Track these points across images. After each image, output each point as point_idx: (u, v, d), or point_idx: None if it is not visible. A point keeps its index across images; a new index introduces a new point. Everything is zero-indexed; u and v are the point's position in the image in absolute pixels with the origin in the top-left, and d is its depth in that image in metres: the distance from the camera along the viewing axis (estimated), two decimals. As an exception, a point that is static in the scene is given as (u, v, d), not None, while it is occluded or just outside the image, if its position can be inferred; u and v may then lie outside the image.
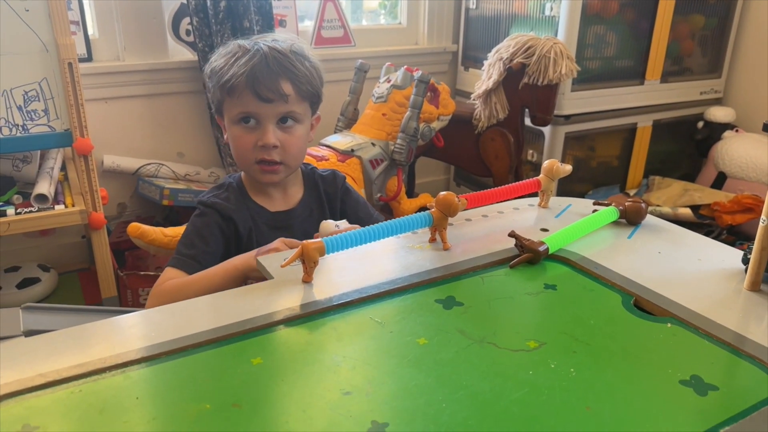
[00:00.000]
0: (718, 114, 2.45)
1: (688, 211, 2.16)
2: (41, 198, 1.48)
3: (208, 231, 0.95)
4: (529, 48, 1.79)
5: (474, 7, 2.36)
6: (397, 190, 1.75)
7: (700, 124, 2.49)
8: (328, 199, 1.06)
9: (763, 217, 0.69)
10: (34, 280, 1.80)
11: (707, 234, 2.16)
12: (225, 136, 1.00)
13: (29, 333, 0.60)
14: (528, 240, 0.80)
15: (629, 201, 0.93)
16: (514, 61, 1.81)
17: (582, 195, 2.30)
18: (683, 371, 0.58)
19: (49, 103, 1.42)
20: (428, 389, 0.54)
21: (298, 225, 1.01)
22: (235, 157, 0.99)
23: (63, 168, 1.72)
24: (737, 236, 2.16)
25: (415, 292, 0.71)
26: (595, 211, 0.93)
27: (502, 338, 0.61)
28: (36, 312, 0.65)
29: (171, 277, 0.92)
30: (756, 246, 0.72)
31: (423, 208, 1.89)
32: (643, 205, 0.92)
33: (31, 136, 1.43)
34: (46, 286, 1.82)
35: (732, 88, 2.54)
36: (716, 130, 2.45)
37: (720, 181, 2.38)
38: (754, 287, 0.73)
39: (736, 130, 2.43)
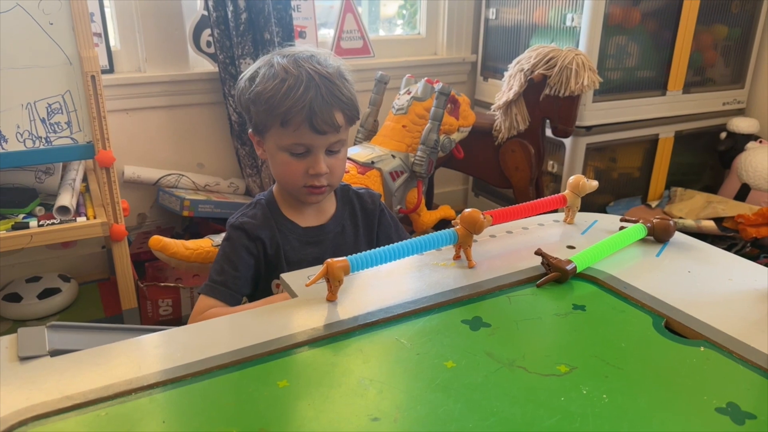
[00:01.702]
0: (742, 125, 2.41)
1: (711, 224, 2.12)
2: (63, 210, 1.49)
3: (235, 255, 0.96)
4: (550, 59, 1.78)
5: (493, 17, 2.35)
6: (417, 202, 1.74)
7: (723, 134, 2.45)
8: (366, 217, 1.06)
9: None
10: (54, 291, 1.81)
11: (731, 247, 2.12)
12: (260, 152, 1.00)
13: (55, 353, 0.60)
14: (555, 258, 0.78)
15: (657, 218, 0.91)
16: (536, 73, 1.80)
17: (603, 206, 2.28)
18: (719, 398, 0.56)
19: (72, 116, 1.44)
20: (458, 415, 0.53)
21: (330, 241, 1.01)
22: (280, 180, 0.99)
23: (84, 179, 1.74)
24: (762, 249, 2.12)
25: (441, 311, 0.70)
26: (622, 228, 0.91)
27: (531, 362, 0.60)
28: (61, 331, 0.65)
29: (208, 305, 0.93)
30: (792, 267, 0.70)
31: (443, 221, 1.89)
32: (671, 222, 0.90)
33: (54, 148, 1.44)
34: (67, 297, 1.83)
35: (755, 99, 2.50)
36: (739, 141, 2.41)
37: (743, 192, 2.34)
38: (790, 310, 0.71)
39: (760, 141, 2.39)
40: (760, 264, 2.01)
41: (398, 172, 1.67)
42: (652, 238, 0.91)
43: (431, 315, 0.69)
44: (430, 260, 0.82)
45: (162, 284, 1.71)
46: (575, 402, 0.55)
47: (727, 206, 2.23)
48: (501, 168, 1.99)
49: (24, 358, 0.59)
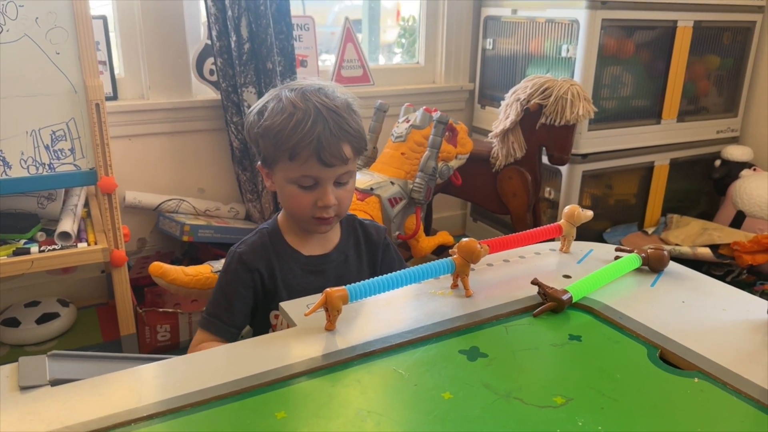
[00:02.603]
0: (735, 153, 2.44)
1: (707, 251, 2.14)
2: (64, 236, 1.50)
3: (231, 289, 0.97)
4: (546, 89, 1.81)
5: (490, 47, 2.39)
6: (416, 229, 1.75)
7: (718, 162, 2.48)
8: (370, 249, 1.07)
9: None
10: (53, 315, 1.81)
11: (727, 274, 2.13)
12: (268, 183, 1.01)
13: (55, 382, 0.61)
14: (551, 288, 0.80)
15: (651, 248, 0.92)
16: (531, 102, 1.83)
17: (600, 232, 2.29)
18: (713, 430, 0.57)
19: (75, 143, 1.45)
20: (455, 447, 0.53)
21: (332, 270, 1.02)
22: (288, 211, 1.00)
23: (86, 204, 1.75)
24: (758, 276, 2.13)
25: (439, 341, 0.71)
26: (617, 257, 0.93)
27: (528, 393, 0.61)
28: (61, 360, 0.65)
29: (202, 339, 0.94)
30: (783, 299, 0.71)
31: (441, 247, 1.90)
32: (665, 252, 0.91)
33: (57, 174, 1.45)
34: (65, 322, 1.83)
35: (748, 127, 2.54)
36: (734, 169, 2.44)
37: (739, 219, 2.36)
38: (782, 341, 0.72)
39: (754, 169, 2.42)
40: (757, 291, 2.00)
41: (397, 198, 1.69)
42: (646, 267, 0.92)
43: (429, 345, 0.70)
44: (428, 289, 0.83)
45: (161, 310, 1.72)
46: (571, 434, 0.55)
47: (722, 233, 2.24)
48: (498, 194, 2.00)
49: (24, 388, 0.60)
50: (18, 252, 1.45)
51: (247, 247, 0.99)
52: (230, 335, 0.95)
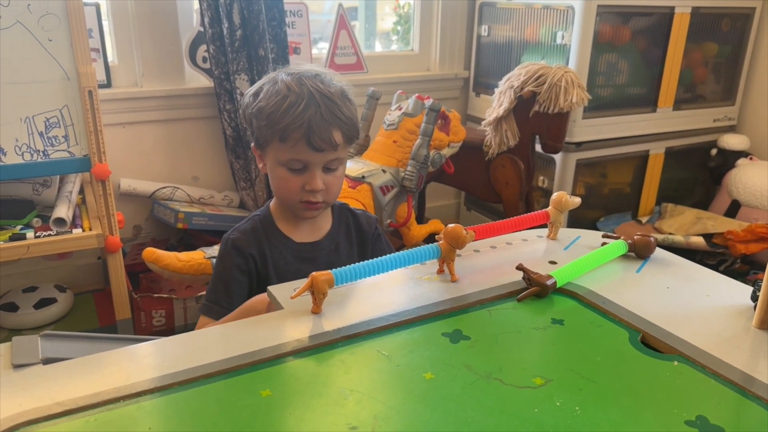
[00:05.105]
0: (732, 141, 2.45)
1: (701, 240, 2.15)
2: (60, 222, 1.51)
3: (228, 275, 0.99)
4: (539, 77, 1.81)
5: (486, 34, 2.39)
6: (407, 217, 1.76)
7: (714, 151, 2.49)
8: (361, 238, 1.08)
9: (770, 255, 0.70)
10: (50, 301, 1.83)
11: (720, 263, 2.14)
12: (260, 165, 1.02)
13: (47, 361, 0.62)
14: (536, 273, 0.81)
15: (638, 235, 0.93)
16: (525, 90, 1.83)
17: (594, 221, 2.30)
18: (689, 411, 0.58)
19: (69, 130, 1.46)
20: (434, 425, 0.54)
21: (323, 257, 1.03)
22: (277, 194, 1.02)
23: (81, 191, 1.76)
24: (751, 265, 2.14)
25: (423, 324, 0.72)
26: (604, 244, 0.93)
27: (508, 374, 0.62)
28: (54, 340, 0.67)
29: (204, 324, 0.96)
30: (765, 283, 0.72)
31: (433, 235, 1.91)
32: (652, 239, 0.92)
33: (51, 161, 1.46)
34: (62, 307, 1.85)
35: (746, 116, 2.54)
36: (730, 158, 2.44)
37: (734, 209, 2.37)
38: (763, 325, 0.73)
39: (750, 158, 2.42)
40: (750, 280, 2.02)
41: (388, 186, 1.70)
42: (633, 254, 0.93)
43: (413, 328, 0.71)
44: (414, 274, 0.84)
45: (156, 295, 1.73)
46: (548, 414, 0.57)
47: (716, 222, 2.25)
48: (491, 183, 2.01)
49: (17, 366, 0.61)
50: (14, 237, 1.46)
51: (239, 233, 1.00)
52: None
